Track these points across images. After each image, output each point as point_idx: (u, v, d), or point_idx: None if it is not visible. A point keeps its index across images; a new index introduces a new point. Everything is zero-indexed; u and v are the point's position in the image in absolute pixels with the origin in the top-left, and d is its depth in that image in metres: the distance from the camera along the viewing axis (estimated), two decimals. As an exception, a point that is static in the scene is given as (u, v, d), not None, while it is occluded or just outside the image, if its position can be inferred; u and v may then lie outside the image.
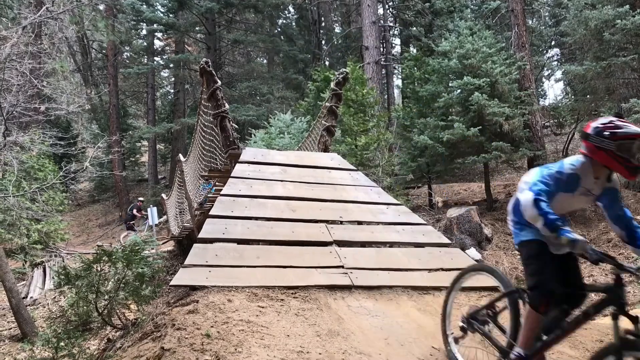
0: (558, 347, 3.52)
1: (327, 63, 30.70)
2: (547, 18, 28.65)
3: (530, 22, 26.43)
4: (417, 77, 18.93)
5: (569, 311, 3.07)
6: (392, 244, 5.12)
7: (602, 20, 14.55)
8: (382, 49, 27.93)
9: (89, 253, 14.32)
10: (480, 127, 15.20)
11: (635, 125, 2.74)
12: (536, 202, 2.75)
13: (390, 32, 32.39)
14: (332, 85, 8.13)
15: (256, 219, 4.92)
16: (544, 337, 2.93)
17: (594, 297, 3.35)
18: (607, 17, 14.39)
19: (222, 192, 5.23)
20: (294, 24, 34.76)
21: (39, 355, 5.85)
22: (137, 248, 5.57)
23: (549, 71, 30.56)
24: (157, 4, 28.69)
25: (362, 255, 4.66)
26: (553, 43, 29.40)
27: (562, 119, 27.43)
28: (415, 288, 4.33)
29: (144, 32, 32.58)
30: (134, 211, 21.30)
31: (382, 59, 26.40)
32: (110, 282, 5.26)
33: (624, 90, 15.84)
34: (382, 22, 28.40)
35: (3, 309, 12.62)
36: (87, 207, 31.65)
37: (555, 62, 30.53)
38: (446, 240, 5.29)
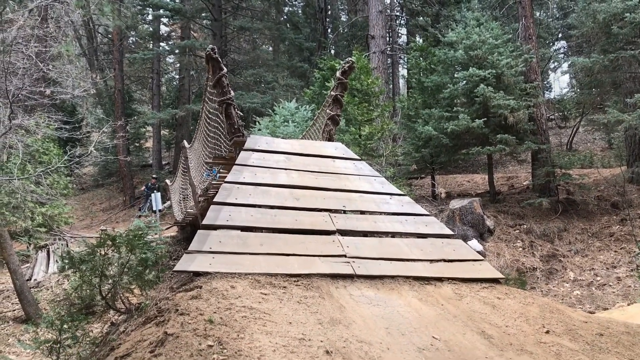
0: (558, 339, 3.55)
1: (332, 52, 30.60)
2: (554, 10, 28.48)
3: (537, 14, 26.27)
4: (422, 68, 18.88)
5: None
6: (394, 234, 5.14)
7: (610, 14, 14.46)
8: (388, 39, 27.83)
9: (92, 237, 14.42)
10: (485, 118, 15.17)
11: None
12: None
13: (397, 22, 32.29)
14: (338, 74, 8.10)
15: (260, 206, 4.94)
16: None
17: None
18: (616, 10, 14.30)
19: (226, 180, 5.24)
20: (300, 11, 34.64)
21: (42, 337, 5.90)
22: (140, 233, 5.59)
23: (555, 64, 30.44)
24: (164, -11, 28.60)
25: (364, 245, 4.69)
26: (560, 35, 29.24)
27: (567, 112, 27.38)
28: (417, 278, 4.35)
29: (150, 17, 32.53)
30: (143, 188, 21.56)
31: (388, 49, 26.31)
32: (114, 267, 5.30)
33: (630, 84, 15.78)
34: (388, 11, 28.26)
35: (7, 291, 12.72)
36: (91, 191, 31.76)
37: (562, 55, 30.38)
38: (449, 232, 5.30)
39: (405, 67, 30.48)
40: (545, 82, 29.82)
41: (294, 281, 3.91)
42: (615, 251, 13.42)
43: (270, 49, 37.40)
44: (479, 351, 3.25)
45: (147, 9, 30.22)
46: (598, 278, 12.61)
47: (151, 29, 33.70)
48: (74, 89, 15.48)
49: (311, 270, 4.09)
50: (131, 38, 35.59)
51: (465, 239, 12.96)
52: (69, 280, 10.29)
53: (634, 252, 12.80)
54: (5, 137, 11.90)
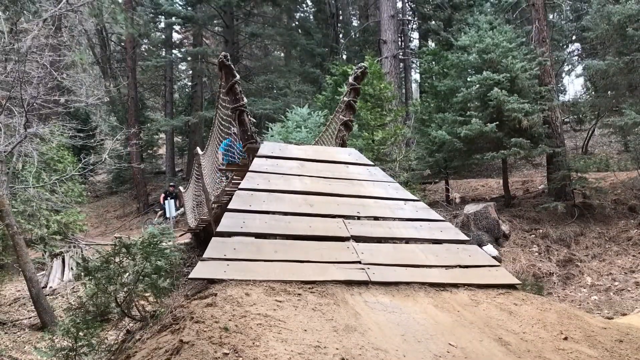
0: (577, 346, 3.49)
1: (344, 57, 30.63)
2: (568, 12, 28.28)
3: (551, 16, 26.11)
4: (435, 72, 18.83)
5: None
6: (409, 240, 5.10)
7: (625, 15, 14.34)
8: (400, 43, 27.81)
9: (107, 244, 14.50)
10: (499, 122, 15.08)
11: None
12: None
13: (409, 26, 32.24)
14: (351, 79, 8.10)
15: (274, 213, 4.93)
16: None
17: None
18: (631, 12, 14.18)
19: (240, 186, 5.24)
20: (311, 17, 34.72)
21: (58, 344, 5.93)
22: (155, 240, 5.61)
23: (570, 66, 30.19)
24: (176, -3, 28.86)
25: (379, 251, 4.65)
26: (574, 38, 29.01)
27: (582, 115, 27.12)
28: (432, 285, 4.31)
29: (162, 25, 32.77)
30: (161, 197, 21.72)
31: (400, 53, 26.27)
32: (128, 274, 5.31)
33: (646, 86, 15.62)
34: (400, 15, 28.23)
35: (23, 299, 12.81)
36: (105, 198, 32.00)
37: (576, 58, 30.14)
38: (464, 237, 5.25)
39: (418, 71, 30.46)
40: (560, 85, 29.61)
41: (309, 288, 3.88)
42: (634, 255, 13.25)
43: (282, 55, 37.55)
44: (497, 358, 3.20)
45: (160, 16, 30.46)
46: (616, 283, 12.45)
47: (163, 36, 33.96)
48: (87, 97, 15.64)
49: (326, 277, 4.06)
50: (144, 46, 35.86)
51: (481, 244, 12.86)
52: (84, 288, 10.36)
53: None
54: (20, 145, 12.04)
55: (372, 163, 6.57)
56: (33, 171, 13.50)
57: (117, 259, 5.26)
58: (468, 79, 16.88)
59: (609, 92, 17.86)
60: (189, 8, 28.70)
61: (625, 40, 14.93)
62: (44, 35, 12.31)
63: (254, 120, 6.93)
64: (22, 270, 11.10)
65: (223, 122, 8.16)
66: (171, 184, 23.33)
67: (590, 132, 24.79)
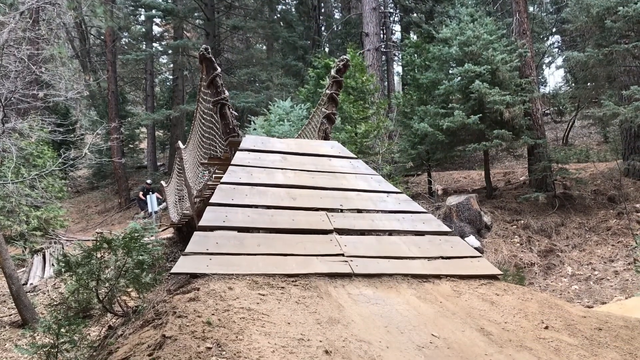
0: (557, 335, 3.54)
1: (326, 49, 30.56)
2: (548, 5, 28.53)
3: (531, 9, 26.30)
4: (417, 64, 18.87)
5: None
6: (392, 232, 5.12)
7: (604, 8, 14.48)
8: (382, 36, 27.82)
9: (88, 240, 14.36)
10: (481, 114, 15.18)
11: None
12: None
13: (391, 19, 32.25)
14: (333, 72, 8.08)
15: (257, 207, 4.91)
16: None
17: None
18: (609, 4, 14.32)
19: (222, 180, 5.21)
20: (293, 9, 34.56)
21: (39, 341, 5.87)
22: (136, 235, 5.56)
23: (550, 58, 30.50)
24: (156, -11, 28.54)
25: (362, 244, 4.67)
26: (554, 30, 29.28)
27: (562, 106, 27.44)
28: (415, 276, 4.33)
29: (143, 17, 32.47)
30: (140, 194, 21.56)
31: (382, 46, 26.30)
32: (110, 270, 5.27)
33: (624, 77, 15.82)
34: (382, 8, 28.23)
35: (3, 296, 12.66)
36: (86, 194, 31.68)
37: (556, 49, 30.44)
38: (446, 229, 5.29)
39: (400, 64, 30.54)
40: (540, 77, 29.88)
41: (292, 281, 3.89)
42: (613, 245, 13.46)
43: (264, 47, 37.36)
44: (479, 348, 3.23)
45: (140, 9, 30.15)
46: (596, 272, 12.64)
47: (144, 29, 33.62)
48: (67, 91, 15.42)
49: (309, 270, 4.07)
50: (124, 39, 35.48)
51: (463, 235, 12.97)
52: (65, 284, 10.24)
53: (631, 245, 12.83)
54: (-2, 140, 11.85)
55: (355, 156, 6.57)
56: (12, 167, 13.29)
57: (98, 254, 5.21)
58: (450, 72, 16.96)
59: (588, 83, 18.07)
60: (170, 1, 28.44)
61: (604, 32, 15.09)
62: (21, 28, 12.11)
63: (236, 114, 6.90)
64: (1, 267, 10.94)
65: (205, 116, 8.11)
66: (147, 181, 23.19)
67: (570, 123, 25.09)
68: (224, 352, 2.66)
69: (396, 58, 32.91)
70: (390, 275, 4.27)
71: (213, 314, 3.09)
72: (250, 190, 5.11)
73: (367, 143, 15.49)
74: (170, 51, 30.97)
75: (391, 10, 32.32)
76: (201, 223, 4.41)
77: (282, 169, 5.72)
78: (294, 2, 34.99)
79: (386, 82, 29.63)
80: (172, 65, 34.15)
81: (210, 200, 4.78)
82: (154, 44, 33.54)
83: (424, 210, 5.62)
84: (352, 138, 14.95)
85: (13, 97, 11.98)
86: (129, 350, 2.98)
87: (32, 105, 14.34)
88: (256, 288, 3.66)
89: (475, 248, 7.55)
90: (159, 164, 33.27)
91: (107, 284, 5.18)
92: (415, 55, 19.31)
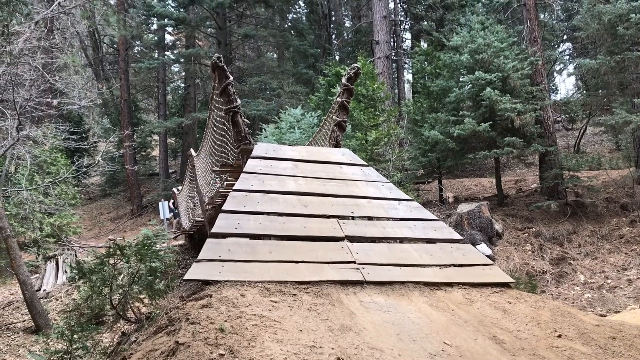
0: (571, 344, 3.52)
1: (337, 58, 30.67)
2: (559, 12, 28.42)
3: (542, 16, 26.22)
4: (428, 72, 18.89)
5: None
6: (403, 240, 5.12)
7: (616, 15, 14.43)
8: (392, 44, 27.85)
9: (101, 247, 14.46)
10: (492, 122, 15.15)
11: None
12: None
13: (401, 27, 32.29)
14: (344, 80, 8.10)
15: (268, 214, 4.93)
16: None
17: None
18: (621, 12, 14.27)
19: (234, 188, 5.24)
20: (304, 18, 34.71)
21: (53, 347, 5.91)
22: (149, 242, 5.59)
23: (561, 66, 30.35)
24: (168, -2, 28.83)
25: (373, 251, 4.67)
26: (565, 37, 29.16)
27: (573, 114, 27.28)
28: (426, 284, 4.33)
29: (155, 26, 32.69)
30: (170, 202, 21.46)
31: (393, 54, 26.32)
32: (123, 276, 5.30)
33: (637, 85, 15.72)
34: (392, 16, 28.28)
35: (17, 302, 12.76)
36: (98, 201, 31.91)
37: (567, 57, 30.30)
38: (457, 236, 5.28)
39: (410, 71, 30.52)
40: (551, 84, 29.76)
41: (304, 288, 3.89)
42: (626, 253, 13.33)
43: (275, 56, 37.53)
44: (491, 356, 3.22)
45: (152, 18, 30.38)
46: (609, 280, 12.52)
47: (156, 38, 33.88)
48: (80, 100, 15.59)
49: (321, 277, 4.07)
50: (136, 48, 35.78)
51: (474, 243, 12.91)
52: (78, 291, 10.33)
53: (644, 253, 12.71)
54: (13, 148, 11.98)
55: (365, 163, 6.58)
56: (26, 174, 13.44)
57: (111, 261, 5.25)
58: (460, 79, 16.95)
59: (600, 91, 17.97)
60: (182, 10, 28.65)
61: (616, 39, 15.03)
62: (36, 37, 12.26)
63: (248, 122, 6.94)
64: (15, 273, 11.04)
65: (217, 124, 8.16)
66: (174, 189, 23.18)
67: (582, 131, 24.92)
68: (237, 359, 2.68)
69: (407, 66, 32.94)
70: (402, 282, 4.27)
71: (226, 321, 3.11)
72: (262, 197, 5.13)
73: (377, 150, 15.49)
74: (182, 59, 31.19)
75: (402, 18, 32.38)
76: (213, 230, 4.43)
77: (293, 176, 5.74)
78: (305, 10, 35.15)
79: (396, 90, 29.63)
80: (184, 74, 34.39)
81: (223, 208, 4.81)
82: (166, 53, 33.79)
83: (435, 217, 5.61)
84: (363, 145, 14.96)
85: (28, 105, 12.13)
86: (142, 357, 3.01)
87: (46, 113, 14.52)
88: (268, 295, 3.68)
89: (487, 256, 7.52)
90: (170, 171, 33.44)
91: (120, 291, 5.21)
92: (426, 62, 19.33)
